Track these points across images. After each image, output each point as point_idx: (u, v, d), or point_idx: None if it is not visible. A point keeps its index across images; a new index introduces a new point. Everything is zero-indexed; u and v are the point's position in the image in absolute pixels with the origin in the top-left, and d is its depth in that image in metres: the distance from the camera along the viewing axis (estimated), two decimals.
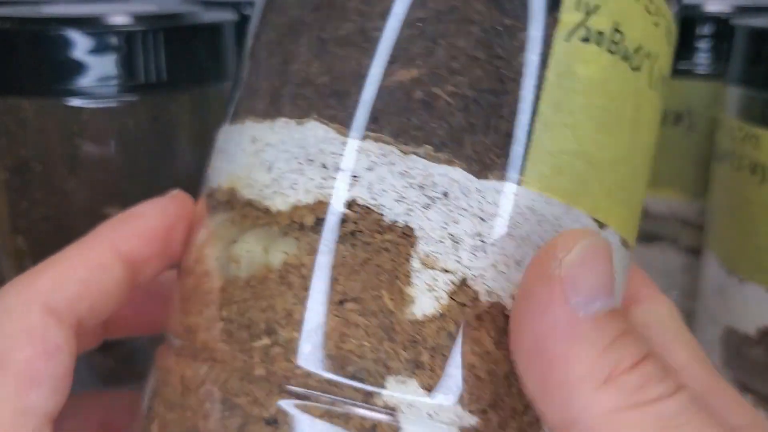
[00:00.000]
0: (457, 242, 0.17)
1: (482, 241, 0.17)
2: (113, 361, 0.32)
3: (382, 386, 0.17)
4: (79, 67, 0.29)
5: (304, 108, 0.18)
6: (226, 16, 0.34)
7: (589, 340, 0.15)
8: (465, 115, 0.17)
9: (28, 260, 0.31)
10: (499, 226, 0.17)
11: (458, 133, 0.17)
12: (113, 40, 0.29)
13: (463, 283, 0.17)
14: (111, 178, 0.30)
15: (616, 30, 0.18)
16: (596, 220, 0.18)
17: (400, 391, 0.17)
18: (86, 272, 0.20)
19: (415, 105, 0.17)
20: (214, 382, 0.18)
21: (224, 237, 0.19)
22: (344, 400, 0.17)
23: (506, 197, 0.17)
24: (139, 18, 0.30)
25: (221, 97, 0.33)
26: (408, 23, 0.17)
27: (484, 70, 0.17)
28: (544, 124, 0.17)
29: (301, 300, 0.17)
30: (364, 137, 0.17)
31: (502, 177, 0.17)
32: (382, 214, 0.17)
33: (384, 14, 0.18)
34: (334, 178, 0.17)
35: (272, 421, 0.17)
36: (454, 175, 0.17)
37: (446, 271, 0.17)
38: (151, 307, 0.24)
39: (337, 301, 0.17)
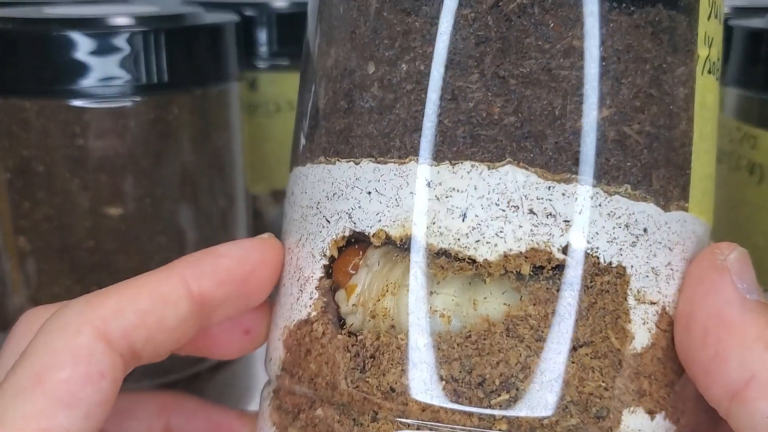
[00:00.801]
0: (657, 274, 0.18)
1: (671, 269, 0.18)
2: None
3: (619, 420, 0.18)
4: (81, 68, 0.29)
5: (494, 151, 0.17)
6: (228, 17, 0.34)
7: (758, 312, 0.18)
8: (650, 152, 0.18)
9: (30, 260, 0.31)
10: (680, 253, 0.19)
11: (647, 169, 0.18)
12: (115, 42, 0.29)
13: (664, 311, 0.18)
14: (113, 178, 0.30)
15: (718, 58, 0.19)
16: (710, 228, 0.20)
17: (632, 420, 0.18)
18: (149, 303, 0.19)
19: (610, 145, 0.17)
20: None
21: (415, 289, 0.18)
22: None
23: (683, 225, 0.19)
24: (141, 19, 0.30)
25: (222, 97, 0.34)
26: (592, 62, 0.17)
27: (659, 106, 0.18)
28: (696, 153, 0.19)
29: (536, 351, 0.17)
30: (569, 180, 0.17)
31: (678, 207, 0.18)
32: (597, 257, 0.18)
33: (568, 52, 0.17)
34: (547, 225, 0.17)
35: None
36: (649, 211, 0.18)
37: (652, 303, 0.18)
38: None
39: (571, 348, 0.17)
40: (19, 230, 0.31)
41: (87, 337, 0.18)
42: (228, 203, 0.35)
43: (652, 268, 0.18)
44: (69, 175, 0.30)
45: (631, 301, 0.18)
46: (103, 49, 0.29)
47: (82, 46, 0.29)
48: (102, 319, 0.19)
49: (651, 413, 0.18)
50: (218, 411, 0.25)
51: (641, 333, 0.18)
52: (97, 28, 0.29)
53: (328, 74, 0.20)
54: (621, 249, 0.18)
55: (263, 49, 0.42)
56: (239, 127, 0.35)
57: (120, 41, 0.30)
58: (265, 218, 0.43)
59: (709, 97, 0.19)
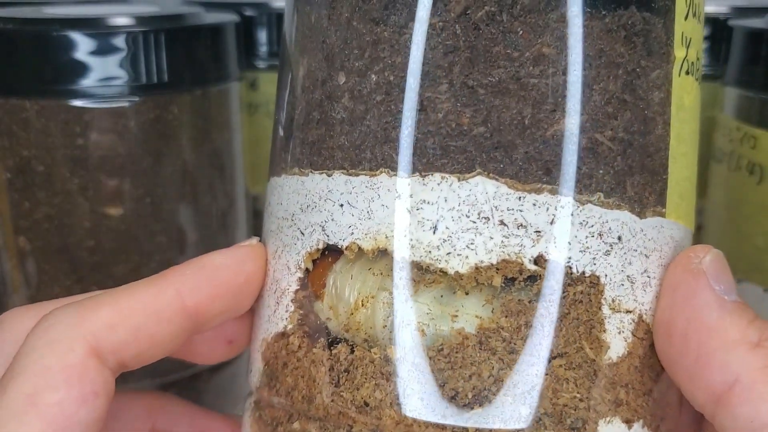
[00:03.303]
0: (632, 282, 0.18)
1: (648, 277, 0.18)
2: None
3: (595, 431, 0.17)
4: (81, 68, 0.29)
5: (464, 162, 0.17)
6: (228, 17, 0.34)
7: (737, 314, 0.18)
8: (624, 158, 0.18)
9: (30, 260, 0.31)
10: (657, 259, 0.18)
11: (621, 176, 0.18)
12: (115, 42, 0.29)
13: (640, 319, 0.18)
14: (113, 178, 0.30)
15: (697, 58, 0.19)
16: (691, 231, 0.20)
17: (609, 431, 0.18)
18: (142, 319, 0.19)
19: (582, 153, 0.17)
20: None
21: (387, 302, 0.18)
22: None
23: (659, 231, 0.18)
24: (141, 19, 0.30)
25: (223, 97, 0.34)
26: (563, 70, 0.17)
27: (633, 111, 0.18)
28: (673, 157, 0.18)
29: (509, 364, 0.17)
30: (540, 190, 0.17)
31: (654, 213, 0.18)
32: (570, 267, 0.17)
33: (537, 60, 0.17)
34: (518, 236, 0.17)
35: None
36: (623, 219, 0.18)
37: (628, 311, 0.18)
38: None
39: (546, 359, 0.17)
40: (19, 230, 0.31)
41: (80, 355, 0.18)
42: (228, 203, 0.35)
43: (628, 277, 0.18)
44: (69, 175, 0.30)
45: (605, 310, 0.18)
46: (103, 49, 0.29)
47: (82, 46, 0.29)
48: (94, 334, 0.18)
49: (628, 422, 0.18)
50: (204, 415, 0.25)
51: (617, 342, 0.18)
52: (97, 28, 0.29)
53: (301, 84, 0.19)
54: (594, 258, 0.17)
55: (263, 49, 0.42)
56: (239, 127, 0.35)
57: (120, 41, 0.30)
58: None
59: (687, 98, 0.19)
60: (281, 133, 0.20)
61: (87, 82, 0.29)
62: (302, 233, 0.19)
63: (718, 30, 0.40)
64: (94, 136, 0.30)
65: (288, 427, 0.19)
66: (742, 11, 0.40)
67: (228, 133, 0.34)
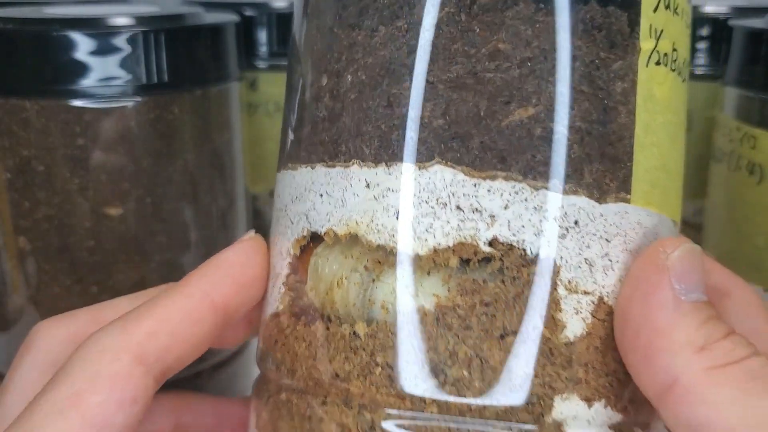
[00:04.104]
0: (591, 265, 0.19)
1: (609, 260, 0.19)
2: None
3: (551, 406, 0.18)
4: (81, 68, 0.29)
5: (425, 152, 0.18)
6: (228, 17, 0.34)
7: (690, 316, 0.18)
8: (581, 147, 0.18)
9: (30, 260, 0.31)
10: (620, 244, 0.19)
11: (578, 163, 0.18)
12: (115, 42, 0.29)
13: (601, 301, 0.19)
14: (113, 178, 0.31)
15: (674, 49, 0.20)
16: (673, 221, 0.20)
17: (566, 407, 0.18)
18: (179, 324, 0.20)
19: (537, 142, 0.18)
20: (386, 425, 0.18)
21: (357, 282, 0.19)
22: (519, 425, 0.18)
23: (623, 216, 0.19)
24: (142, 19, 0.30)
25: (223, 97, 0.34)
26: (518, 64, 0.18)
27: (591, 102, 0.18)
28: (640, 146, 0.19)
29: (463, 339, 0.18)
30: (495, 177, 0.18)
31: (617, 199, 0.19)
32: (524, 249, 0.18)
33: (493, 56, 0.18)
34: (473, 220, 0.18)
35: None
36: (580, 204, 0.18)
37: (586, 292, 0.18)
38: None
39: (498, 336, 0.18)
40: (19, 230, 0.31)
41: (126, 363, 0.19)
42: (228, 203, 0.35)
43: (586, 259, 0.18)
44: (69, 175, 0.30)
45: (561, 291, 0.18)
46: (104, 49, 0.29)
47: (83, 46, 0.29)
48: (139, 343, 0.20)
49: (588, 401, 0.18)
50: (223, 403, 0.26)
51: (574, 322, 0.18)
52: (98, 28, 0.29)
53: (296, 89, 0.21)
54: (549, 241, 0.18)
55: (263, 49, 0.42)
56: (239, 127, 0.35)
57: (120, 41, 0.30)
58: (265, 218, 0.43)
59: (659, 89, 0.19)
60: (282, 135, 0.22)
61: (87, 82, 0.29)
62: (292, 222, 0.21)
63: (718, 30, 0.40)
64: (95, 136, 0.30)
65: (276, 399, 0.20)
66: (742, 11, 0.40)
67: (228, 133, 0.34)
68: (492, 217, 0.18)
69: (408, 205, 0.18)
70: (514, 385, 0.18)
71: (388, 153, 0.19)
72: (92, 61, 0.29)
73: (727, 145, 0.34)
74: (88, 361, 0.19)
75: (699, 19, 0.40)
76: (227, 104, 0.34)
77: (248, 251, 0.22)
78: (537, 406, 0.18)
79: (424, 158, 0.18)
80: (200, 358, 0.31)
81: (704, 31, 0.40)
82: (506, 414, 0.18)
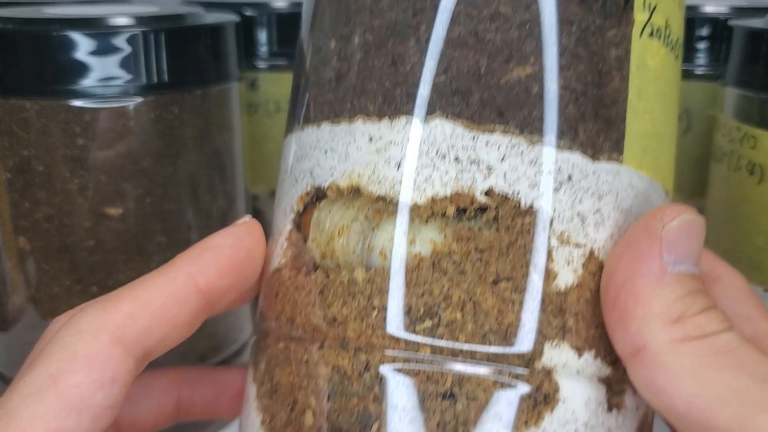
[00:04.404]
0: (583, 219, 0.19)
1: (601, 216, 0.19)
2: None
3: (541, 352, 0.19)
4: (81, 68, 0.29)
5: (426, 107, 0.19)
6: (228, 17, 0.34)
7: (670, 289, 0.18)
8: (576, 106, 0.19)
9: (30, 260, 0.31)
10: (612, 202, 0.20)
11: (573, 122, 0.19)
12: (115, 42, 0.29)
13: (591, 254, 0.19)
14: (113, 178, 0.31)
15: (667, 25, 0.20)
16: (665, 189, 0.21)
17: (555, 354, 0.19)
18: (161, 305, 0.20)
19: (534, 99, 0.19)
20: (379, 366, 0.19)
21: (357, 231, 0.20)
22: (510, 368, 0.19)
23: (615, 176, 0.20)
24: (142, 19, 0.30)
25: (223, 97, 0.34)
26: (518, 26, 0.19)
27: (586, 65, 0.19)
28: (633, 111, 0.20)
29: (457, 283, 0.19)
30: (493, 130, 0.19)
31: (609, 158, 0.19)
32: (519, 200, 0.19)
33: (494, 17, 0.19)
34: (470, 171, 0.19)
35: (448, 395, 0.19)
36: (574, 160, 0.19)
37: (578, 245, 0.19)
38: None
39: (492, 282, 0.19)
40: (19, 230, 0.31)
41: (104, 344, 0.19)
42: (228, 203, 0.35)
43: (578, 213, 0.19)
44: (69, 175, 0.30)
45: (553, 241, 0.19)
46: (104, 49, 0.29)
47: (83, 46, 0.29)
48: (118, 324, 0.19)
49: (578, 350, 0.19)
50: (222, 372, 0.26)
51: (565, 273, 0.19)
52: (98, 28, 0.29)
53: (304, 55, 0.22)
54: (543, 193, 0.19)
55: (263, 49, 0.42)
56: (239, 127, 0.35)
57: (120, 41, 0.30)
58: (265, 218, 0.43)
59: (651, 60, 0.20)
60: (291, 101, 0.23)
61: (87, 82, 0.29)
62: (296, 180, 0.21)
63: (718, 30, 0.40)
64: (95, 136, 0.30)
65: (274, 348, 0.21)
66: (742, 11, 0.40)
67: (228, 133, 0.34)
68: (489, 168, 0.19)
69: (409, 156, 0.19)
70: (506, 329, 0.19)
71: (391, 108, 0.19)
72: (92, 61, 0.29)
73: (727, 145, 0.34)
74: (65, 342, 0.19)
75: (699, 19, 0.40)
76: (227, 104, 0.34)
77: (239, 235, 0.22)
78: (527, 352, 0.19)
79: (425, 112, 0.19)
80: (202, 357, 0.31)
81: (704, 31, 0.40)
82: (497, 358, 0.19)
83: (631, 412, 0.20)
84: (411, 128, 0.19)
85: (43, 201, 0.30)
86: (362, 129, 0.20)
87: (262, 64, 0.42)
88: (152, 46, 0.30)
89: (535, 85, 0.19)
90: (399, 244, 0.19)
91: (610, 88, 0.19)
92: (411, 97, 0.19)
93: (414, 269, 0.19)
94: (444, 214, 0.19)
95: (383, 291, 0.19)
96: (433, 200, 0.19)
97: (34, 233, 0.31)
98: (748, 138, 0.32)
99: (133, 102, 0.30)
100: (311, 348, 0.20)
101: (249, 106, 0.42)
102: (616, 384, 0.20)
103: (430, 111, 0.19)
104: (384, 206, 0.19)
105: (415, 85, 0.19)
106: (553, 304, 0.19)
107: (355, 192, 0.20)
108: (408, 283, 0.19)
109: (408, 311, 0.19)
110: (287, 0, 0.42)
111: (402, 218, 0.19)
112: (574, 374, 0.19)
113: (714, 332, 0.18)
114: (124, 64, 0.30)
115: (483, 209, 0.19)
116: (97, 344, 0.19)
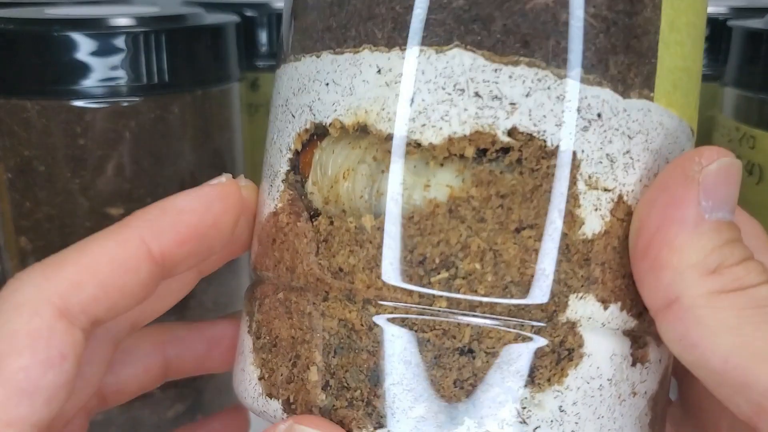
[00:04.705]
0: (612, 161, 0.18)
1: (631, 158, 0.18)
2: None
3: (566, 305, 0.18)
4: (82, 69, 0.29)
5: (443, 35, 0.17)
6: (228, 18, 0.35)
7: (708, 237, 0.17)
8: (607, 36, 0.17)
9: (31, 260, 0.31)
10: (642, 142, 0.18)
11: (603, 54, 0.17)
12: (116, 42, 0.30)
13: (620, 200, 0.18)
14: (114, 178, 0.31)
15: None
16: (691, 128, 0.19)
17: (580, 306, 0.18)
18: (108, 273, 0.18)
19: (562, 27, 0.17)
20: (392, 320, 0.18)
21: (365, 174, 0.18)
22: (532, 322, 0.18)
23: (645, 114, 0.18)
24: (142, 20, 0.31)
25: (223, 98, 0.34)
26: None
27: None
28: (665, 43, 0.18)
29: (476, 232, 0.17)
30: (517, 62, 0.17)
31: (640, 95, 0.18)
32: (544, 140, 0.17)
33: None
34: (492, 107, 0.17)
35: (467, 351, 0.17)
36: (604, 96, 0.17)
37: (606, 189, 0.18)
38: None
39: (514, 230, 0.17)
40: (20, 230, 0.31)
41: (46, 319, 0.17)
42: None
43: (607, 155, 0.18)
44: (70, 175, 0.30)
45: (581, 186, 0.17)
46: (104, 49, 0.29)
47: (84, 46, 0.29)
48: (61, 295, 0.18)
49: (604, 302, 0.18)
50: (211, 326, 0.25)
51: (593, 219, 0.18)
52: (98, 29, 0.30)
53: None
54: (571, 133, 0.17)
55: (264, 50, 0.42)
56: (240, 128, 0.35)
57: (121, 42, 0.30)
58: None
59: None
60: (283, 29, 0.21)
61: (88, 83, 0.29)
62: (293, 116, 0.19)
63: (717, 30, 0.40)
64: (95, 136, 0.30)
65: (273, 299, 0.19)
66: (741, 11, 0.40)
67: (229, 134, 0.34)
68: (512, 105, 0.17)
69: (423, 91, 0.17)
70: (528, 280, 0.17)
71: (402, 36, 0.17)
72: (93, 62, 0.29)
73: (726, 145, 0.34)
74: (5, 319, 0.17)
75: None
76: (228, 105, 0.34)
77: (208, 198, 0.19)
78: (551, 304, 0.17)
79: (441, 41, 0.17)
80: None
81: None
82: (519, 311, 0.17)
83: (654, 365, 0.19)
84: (425, 59, 0.17)
85: (44, 201, 0.31)
86: (369, 59, 0.18)
87: (262, 65, 0.42)
88: (153, 47, 0.30)
89: (564, 12, 0.17)
90: (412, 188, 0.17)
91: (642, 18, 0.18)
92: (425, 24, 0.17)
93: (429, 216, 0.17)
94: (462, 156, 0.17)
95: (394, 239, 0.17)
96: (450, 140, 0.17)
97: (35, 233, 0.31)
98: (747, 138, 0.32)
99: (133, 102, 0.30)
100: (315, 300, 0.18)
101: (249, 107, 0.42)
102: (641, 337, 0.19)
103: (447, 40, 0.17)
104: (395, 146, 0.18)
105: (430, 10, 0.17)
106: (579, 253, 0.17)
107: (362, 130, 0.18)
108: (422, 231, 0.17)
109: (422, 262, 0.17)
110: None
111: (415, 160, 0.17)
112: (599, 327, 0.18)
113: (753, 284, 0.17)
114: (125, 64, 0.30)
115: (505, 150, 0.17)
116: (38, 320, 0.17)
